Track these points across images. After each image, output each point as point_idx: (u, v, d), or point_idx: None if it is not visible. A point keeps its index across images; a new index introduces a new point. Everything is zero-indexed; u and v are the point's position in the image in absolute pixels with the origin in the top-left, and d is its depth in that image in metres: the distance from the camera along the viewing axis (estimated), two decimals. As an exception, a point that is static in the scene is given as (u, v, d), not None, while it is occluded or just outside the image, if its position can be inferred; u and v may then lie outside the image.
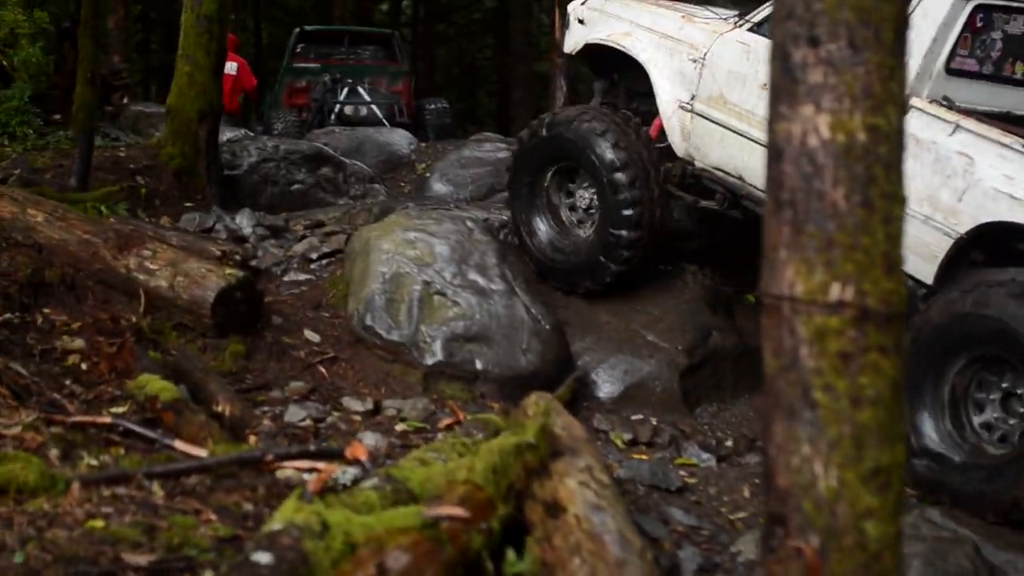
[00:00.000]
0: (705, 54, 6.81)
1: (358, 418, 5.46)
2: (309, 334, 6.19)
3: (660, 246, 7.03)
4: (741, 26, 6.79)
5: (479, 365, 5.97)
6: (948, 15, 5.77)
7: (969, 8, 5.80)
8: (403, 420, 5.48)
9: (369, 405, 5.60)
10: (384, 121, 14.53)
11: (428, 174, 12.14)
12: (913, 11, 5.66)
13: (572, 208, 7.16)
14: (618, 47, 7.33)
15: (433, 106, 15.79)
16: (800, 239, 2.02)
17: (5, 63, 9.95)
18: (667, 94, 6.95)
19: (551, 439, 3.83)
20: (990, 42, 6.05)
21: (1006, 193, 5.24)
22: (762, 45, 6.43)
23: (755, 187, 6.36)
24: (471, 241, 6.49)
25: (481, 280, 6.26)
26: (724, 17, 7.10)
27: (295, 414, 5.23)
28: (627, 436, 5.99)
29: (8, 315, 5.56)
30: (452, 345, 5.98)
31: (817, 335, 2.01)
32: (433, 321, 6.03)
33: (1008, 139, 5.33)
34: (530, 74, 21.87)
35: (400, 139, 12.84)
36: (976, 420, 5.31)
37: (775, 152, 2.07)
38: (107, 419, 4.20)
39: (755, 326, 6.93)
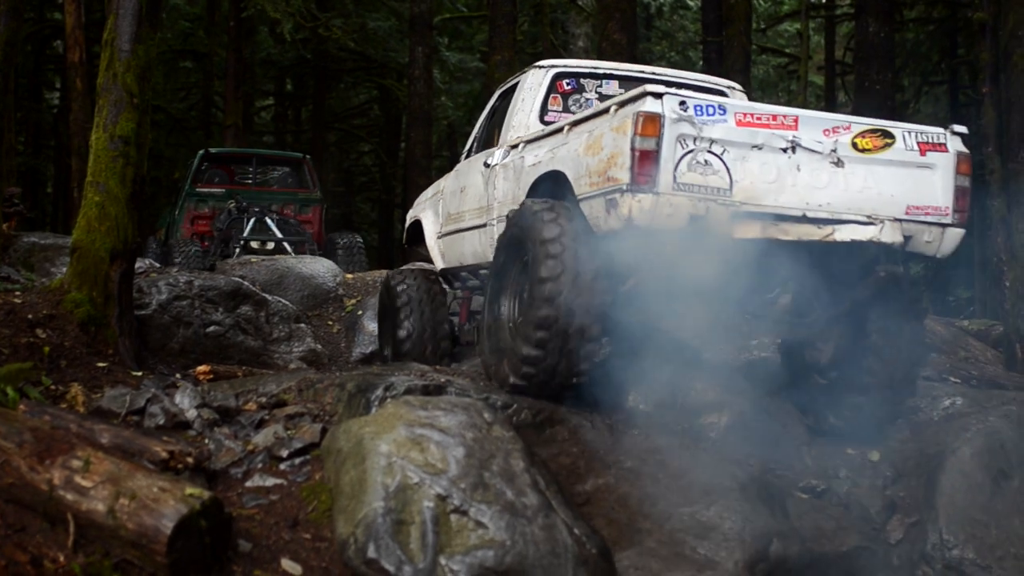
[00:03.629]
0: (441, 189, 8.89)
1: None
2: (288, 565, 4.76)
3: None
4: (462, 159, 8.62)
5: (516, 608, 4.64)
6: (531, 81, 7.62)
7: (550, 76, 7.60)
8: None
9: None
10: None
11: (359, 311, 10.86)
12: (520, 83, 7.79)
13: None
14: (416, 219, 9.47)
15: (345, 240, 14.58)
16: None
17: None
18: (430, 234, 8.96)
19: None
20: (585, 101, 7.60)
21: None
22: (464, 165, 8.41)
23: (469, 265, 8.11)
24: (490, 438, 5.18)
25: (509, 492, 4.94)
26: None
27: None
28: None
29: None
30: (480, 582, 4.64)
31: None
32: (454, 550, 4.68)
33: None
34: (427, 183, 21.00)
35: (324, 271, 11.51)
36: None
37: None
38: None
39: (815, 526, 5.80)
